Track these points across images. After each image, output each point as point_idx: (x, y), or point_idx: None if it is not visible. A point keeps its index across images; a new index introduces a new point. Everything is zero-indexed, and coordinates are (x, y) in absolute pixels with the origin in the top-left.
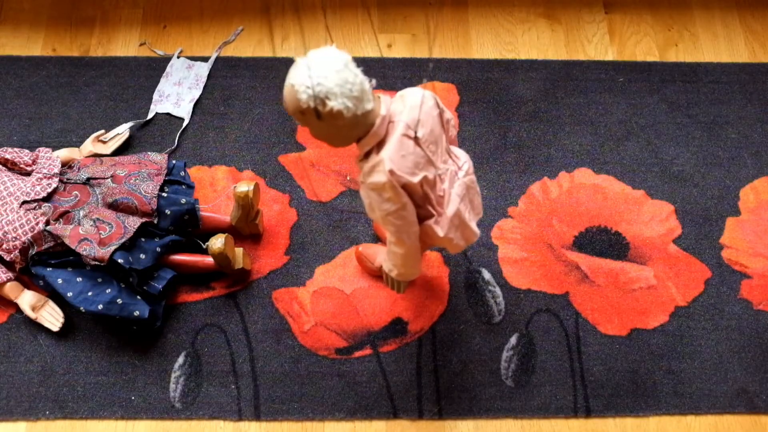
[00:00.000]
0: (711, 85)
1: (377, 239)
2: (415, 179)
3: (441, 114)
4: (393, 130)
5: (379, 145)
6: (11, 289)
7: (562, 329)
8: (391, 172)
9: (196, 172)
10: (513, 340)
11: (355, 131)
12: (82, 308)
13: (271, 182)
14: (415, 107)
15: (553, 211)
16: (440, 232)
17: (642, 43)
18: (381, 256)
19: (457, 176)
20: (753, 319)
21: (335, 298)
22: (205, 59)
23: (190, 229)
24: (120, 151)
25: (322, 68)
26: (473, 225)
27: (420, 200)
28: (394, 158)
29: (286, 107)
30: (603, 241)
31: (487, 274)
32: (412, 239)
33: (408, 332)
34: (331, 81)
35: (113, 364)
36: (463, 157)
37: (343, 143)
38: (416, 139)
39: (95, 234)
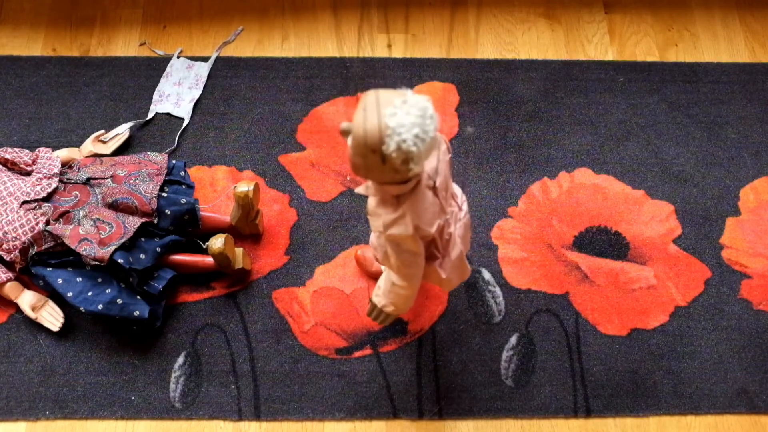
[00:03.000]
0: (711, 85)
1: None
2: (433, 230)
3: (450, 156)
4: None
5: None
6: (11, 289)
7: (562, 329)
8: (416, 227)
9: (196, 172)
10: (513, 340)
11: (398, 176)
12: (82, 308)
13: (271, 182)
14: (432, 155)
15: (553, 211)
16: (443, 274)
17: (642, 43)
18: (375, 291)
19: (458, 217)
20: (753, 319)
21: (335, 298)
22: (205, 59)
23: (190, 229)
24: (120, 151)
25: (417, 121)
26: (467, 263)
27: (427, 244)
28: (418, 212)
29: (356, 131)
30: (603, 241)
31: (487, 274)
32: (418, 283)
33: (408, 332)
34: (420, 139)
35: (113, 364)
36: (460, 195)
37: (377, 180)
38: (434, 189)
39: (95, 234)
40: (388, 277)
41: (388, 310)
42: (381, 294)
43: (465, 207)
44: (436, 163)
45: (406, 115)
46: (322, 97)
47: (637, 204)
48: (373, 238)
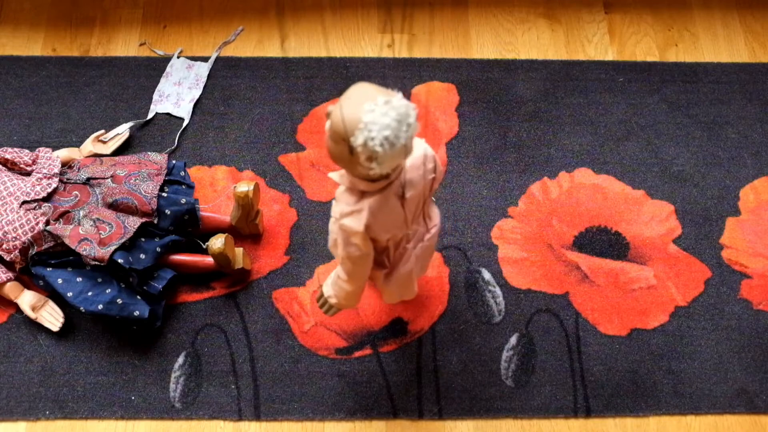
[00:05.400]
0: (711, 85)
1: None
2: (385, 237)
3: (434, 177)
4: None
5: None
6: (11, 289)
7: (562, 329)
8: (367, 226)
9: (196, 172)
10: (513, 340)
11: (363, 172)
12: (82, 308)
13: (271, 182)
14: (414, 167)
15: (553, 211)
16: (387, 284)
17: (642, 43)
18: (326, 285)
19: (423, 238)
20: (753, 319)
21: None
22: (205, 59)
23: (190, 229)
24: (120, 151)
25: (391, 124)
26: (415, 285)
27: (380, 250)
28: (376, 213)
29: (334, 117)
30: (603, 241)
31: (487, 274)
32: (362, 283)
33: (408, 332)
34: (388, 143)
35: (113, 364)
36: (435, 219)
37: (345, 169)
38: (402, 199)
39: (95, 234)
40: (336, 269)
41: (332, 302)
42: (328, 284)
43: (434, 231)
44: (414, 177)
45: (382, 115)
46: (322, 97)
47: (637, 204)
48: (330, 223)
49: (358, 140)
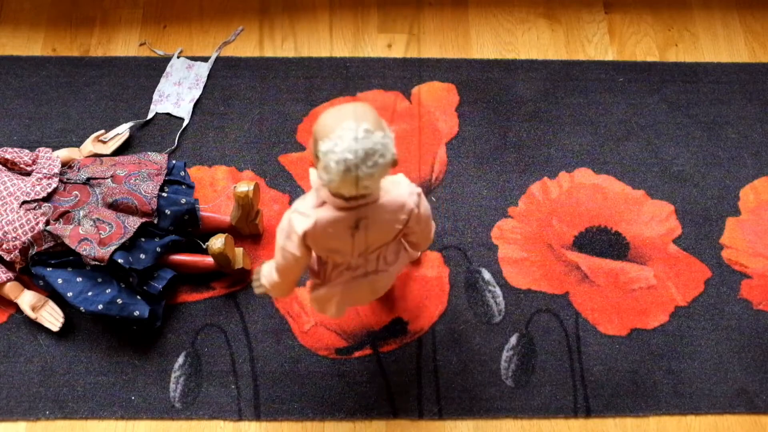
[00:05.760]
0: (711, 85)
1: None
2: (322, 253)
3: (402, 229)
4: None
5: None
6: (11, 289)
7: (562, 329)
8: (306, 234)
9: (196, 172)
10: (513, 340)
11: (324, 178)
12: (82, 308)
13: (271, 182)
14: (384, 209)
15: (553, 211)
16: (310, 294)
17: (642, 43)
18: (266, 264)
19: (366, 275)
20: (753, 319)
21: None
22: (205, 59)
23: (190, 229)
24: (120, 151)
25: (352, 154)
26: (338, 309)
27: (321, 260)
28: (320, 227)
29: (323, 116)
30: (603, 241)
31: (487, 274)
32: (287, 281)
33: (408, 332)
34: (342, 166)
35: (113, 364)
36: (394, 266)
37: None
38: (354, 230)
39: (95, 234)
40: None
41: (262, 282)
42: (267, 265)
43: (385, 275)
44: (379, 218)
45: (353, 140)
46: (322, 97)
47: (637, 204)
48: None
49: (322, 147)
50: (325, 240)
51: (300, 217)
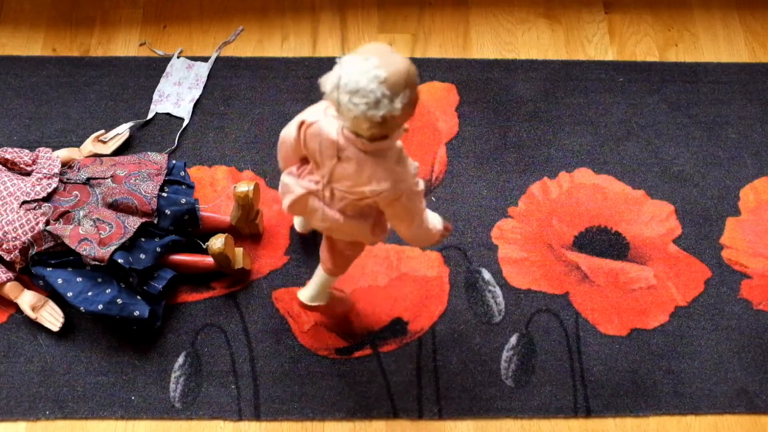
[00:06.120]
0: (711, 85)
1: None
2: (305, 150)
3: (374, 202)
4: (346, 144)
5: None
6: (11, 289)
7: (562, 329)
8: (302, 123)
9: (196, 172)
10: (513, 340)
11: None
12: (82, 308)
13: (271, 182)
14: (363, 166)
15: (553, 211)
16: (283, 177)
17: (642, 43)
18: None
19: (328, 200)
20: (753, 319)
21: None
22: (205, 59)
23: (190, 229)
24: (120, 151)
25: (352, 78)
26: (290, 208)
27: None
28: (314, 128)
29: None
30: (603, 241)
31: (487, 274)
32: (281, 156)
33: (408, 332)
34: (338, 84)
35: (113, 364)
36: (345, 219)
37: None
38: (337, 161)
39: (95, 234)
40: None
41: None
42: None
43: (335, 219)
44: (357, 168)
45: (353, 68)
46: (322, 97)
47: (637, 204)
48: None
49: (339, 68)
50: (312, 142)
51: (311, 110)
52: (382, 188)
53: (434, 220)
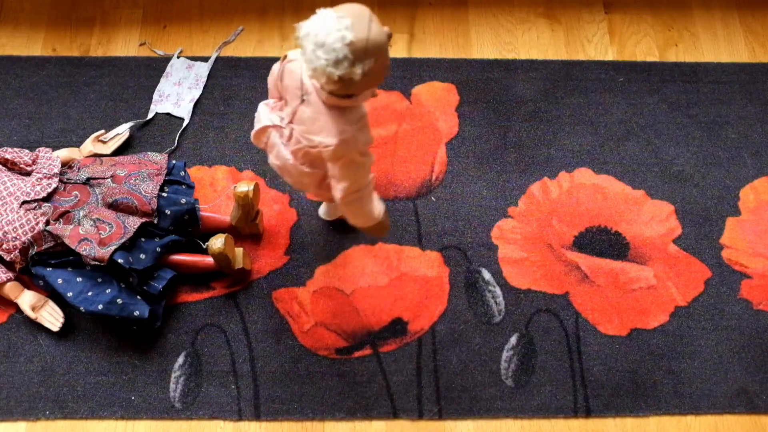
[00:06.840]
0: (711, 85)
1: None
2: (280, 87)
3: (321, 153)
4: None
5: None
6: (11, 289)
7: (562, 329)
8: (284, 58)
9: (196, 172)
10: (513, 340)
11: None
12: (82, 308)
13: (271, 182)
14: (321, 117)
15: (553, 211)
16: (260, 105)
17: (642, 43)
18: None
19: (285, 139)
20: (753, 319)
21: (335, 298)
22: (205, 59)
23: (190, 229)
24: (120, 151)
25: (319, 32)
26: (257, 140)
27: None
28: (290, 66)
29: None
30: (603, 241)
31: (487, 274)
32: (270, 78)
33: (408, 332)
34: (308, 37)
35: (113, 364)
36: (301, 167)
37: None
38: (300, 102)
39: (95, 234)
40: None
41: None
42: None
43: (292, 164)
44: (314, 115)
45: (320, 22)
46: None
47: (637, 204)
48: None
49: (316, 17)
50: (287, 79)
51: (298, 50)
52: (328, 142)
53: (378, 206)
